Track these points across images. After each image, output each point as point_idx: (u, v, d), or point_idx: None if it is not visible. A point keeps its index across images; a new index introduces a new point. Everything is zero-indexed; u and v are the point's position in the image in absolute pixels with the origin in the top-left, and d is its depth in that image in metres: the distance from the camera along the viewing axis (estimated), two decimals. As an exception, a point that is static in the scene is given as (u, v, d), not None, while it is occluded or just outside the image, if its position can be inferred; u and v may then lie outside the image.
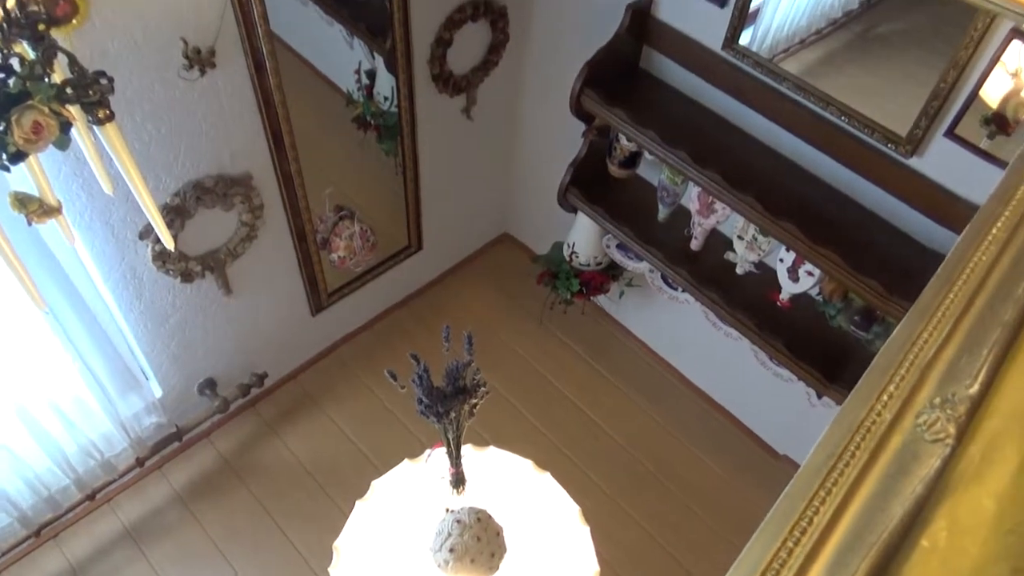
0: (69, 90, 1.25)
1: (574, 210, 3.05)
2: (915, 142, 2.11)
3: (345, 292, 3.39)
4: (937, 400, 0.49)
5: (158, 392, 2.98)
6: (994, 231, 0.59)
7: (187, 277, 2.70)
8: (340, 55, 3.21)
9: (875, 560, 0.43)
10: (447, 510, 1.65)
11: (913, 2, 2.30)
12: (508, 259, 4.02)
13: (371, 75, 3.13)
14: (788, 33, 2.38)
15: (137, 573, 3.00)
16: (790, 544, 0.43)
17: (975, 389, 0.49)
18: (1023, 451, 0.49)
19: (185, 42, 2.18)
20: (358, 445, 3.37)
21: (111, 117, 1.29)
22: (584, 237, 3.09)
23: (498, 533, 1.47)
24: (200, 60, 2.24)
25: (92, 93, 1.24)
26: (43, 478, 2.75)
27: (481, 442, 1.82)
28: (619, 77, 2.67)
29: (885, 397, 0.51)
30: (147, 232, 2.50)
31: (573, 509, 1.75)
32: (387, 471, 3.24)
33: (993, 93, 1.91)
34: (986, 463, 0.48)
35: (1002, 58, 1.85)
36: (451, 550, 1.42)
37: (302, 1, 2.99)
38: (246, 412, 3.41)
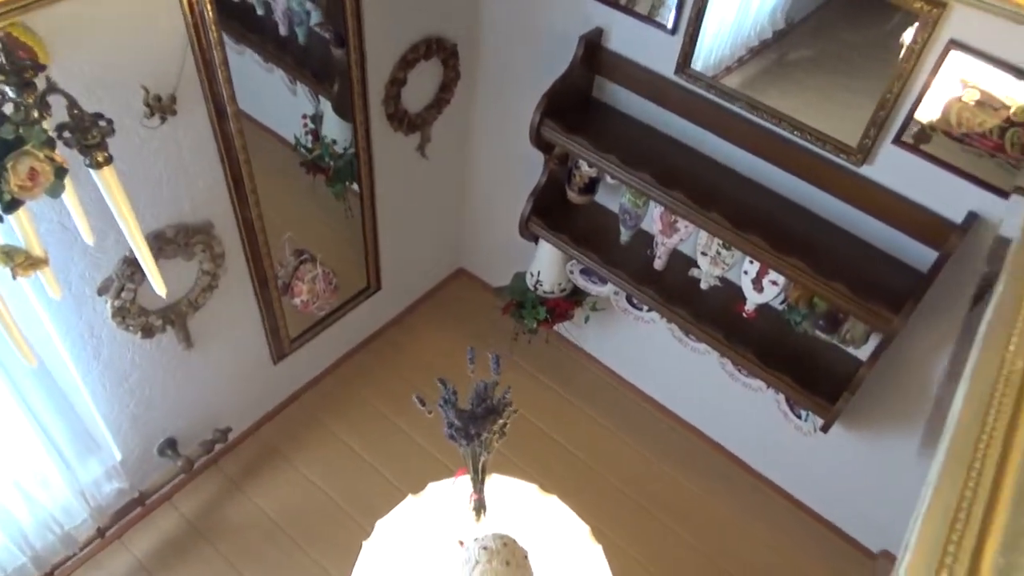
0: (67, 134, 1.21)
1: (535, 239, 3.10)
2: (865, 151, 2.24)
3: (307, 338, 3.32)
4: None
5: (118, 456, 2.84)
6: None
7: (147, 332, 2.60)
8: (279, 100, 3.19)
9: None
10: (460, 542, 1.62)
11: (818, 30, 2.45)
12: (465, 294, 4.03)
13: (316, 119, 3.12)
14: (714, 62, 2.50)
15: (103, 653, 2.82)
16: (971, 484, 0.46)
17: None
18: None
19: (146, 90, 2.13)
20: (328, 493, 3.28)
21: (110, 160, 1.25)
22: (547, 265, 3.13)
23: (525, 556, 1.46)
24: (161, 107, 2.19)
25: (92, 136, 1.20)
26: (-3, 559, 2.56)
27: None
28: (574, 107, 2.75)
29: (1011, 347, 0.54)
30: (106, 287, 2.40)
31: (583, 529, 1.75)
32: (361, 517, 3.17)
33: (936, 100, 2.05)
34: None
35: (942, 67, 1.99)
36: (485, 576, 1.39)
37: (238, 50, 2.97)
38: (209, 470, 3.28)
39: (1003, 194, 2.05)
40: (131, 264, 2.38)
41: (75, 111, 1.20)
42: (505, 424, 1.42)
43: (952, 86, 2.00)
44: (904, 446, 2.77)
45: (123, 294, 2.43)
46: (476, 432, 1.38)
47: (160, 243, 2.43)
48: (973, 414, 0.51)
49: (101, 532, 2.85)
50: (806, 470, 3.21)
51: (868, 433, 2.84)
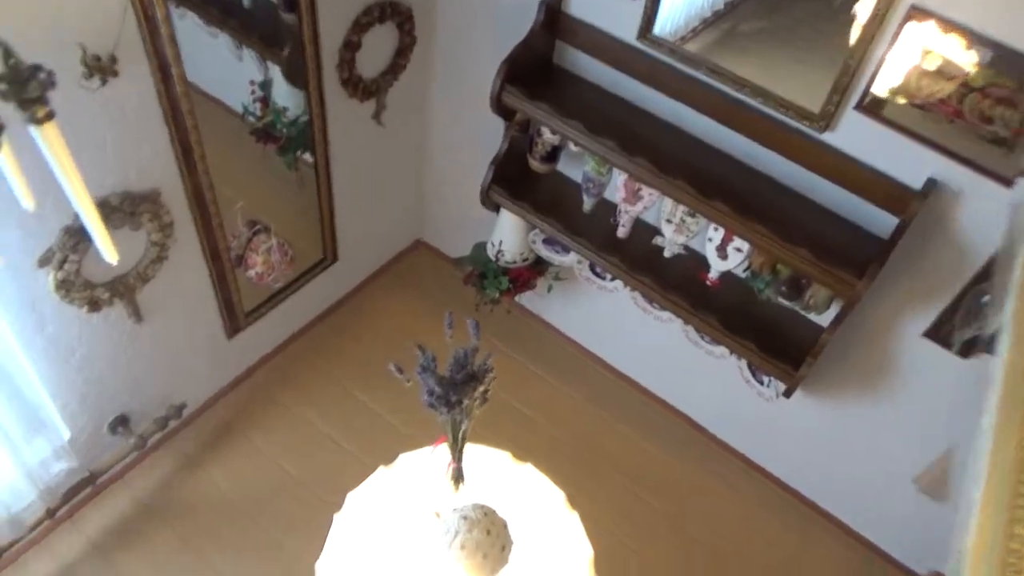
0: (3, 86, 1.11)
1: (496, 208, 3.05)
2: (828, 117, 2.24)
3: (262, 311, 3.23)
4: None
5: (66, 434, 2.73)
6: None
7: (94, 306, 2.49)
8: (224, 67, 3.05)
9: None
10: (436, 514, 1.59)
11: (769, 3, 2.43)
12: (424, 265, 3.97)
13: (265, 86, 3.00)
14: (670, 31, 2.47)
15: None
16: None
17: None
18: None
19: (83, 49, 2.01)
20: (286, 468, 3.22)
21: (52, 115, 1.16)
22: (509, 234, 3.09)
23: (505, 526, 1.43)
24: (101, 68, 2.07)
25: (32, 89, 1.11)
26: (-61, 544, 2.45)
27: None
28: (535, 73, 2.69)
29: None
30: (47, 259, 2.29)
31: (559, 496, 1.74)
32: (321, 491, 3.13)
33: (897, 66, 2.05)
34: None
35: (902, 33, 1.99)
36: (462, 547, 1.37)
37: (179, 14, 2.83)
38: (163, 447, 3.18)
39: (973, 166, 2.07)
40: (73, 234, 2.27)
41: (11, 60, 1.11)
42: (487, 390, 1.39)
43: (912, 53, 2.01)
44: (864, 410, 2.83)
45: (66, 266, 2.31)
46: (457, 399, 1.35)
47: (105, 212, 2.31)
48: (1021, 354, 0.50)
49: (51, 513, 2.75)
50: (769, 436, 3.26)
51: (828, 398, 2.89)
